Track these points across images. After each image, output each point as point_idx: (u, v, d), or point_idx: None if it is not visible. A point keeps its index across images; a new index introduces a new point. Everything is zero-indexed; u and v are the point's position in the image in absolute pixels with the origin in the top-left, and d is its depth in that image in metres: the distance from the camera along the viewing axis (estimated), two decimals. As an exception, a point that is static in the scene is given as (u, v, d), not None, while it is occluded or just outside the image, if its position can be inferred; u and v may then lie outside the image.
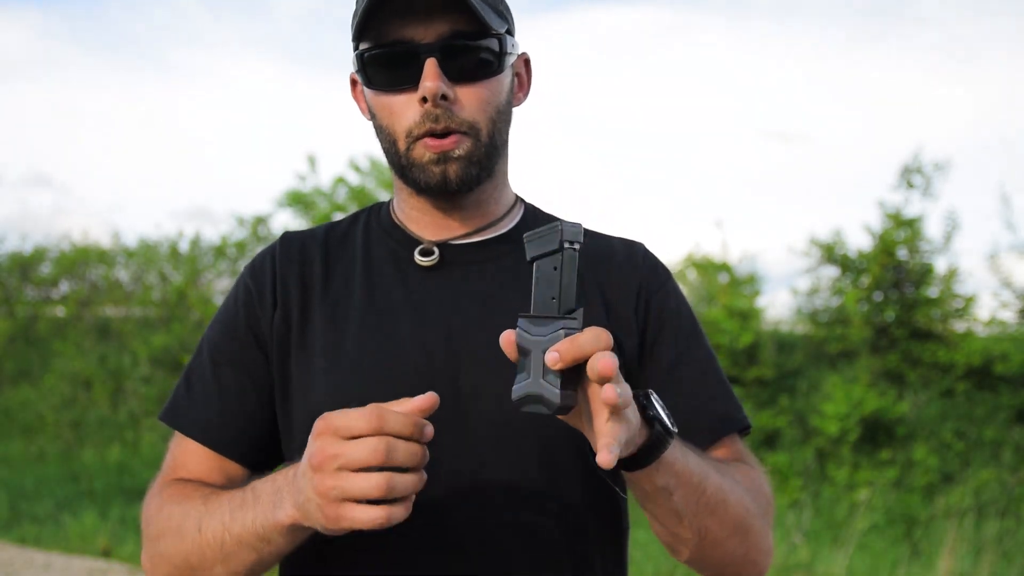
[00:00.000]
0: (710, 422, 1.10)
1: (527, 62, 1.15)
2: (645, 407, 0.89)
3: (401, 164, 1.06)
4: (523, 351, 0.83)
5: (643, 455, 0.88)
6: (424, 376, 1.03)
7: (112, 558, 5.38)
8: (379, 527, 0.81)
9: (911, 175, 7.30)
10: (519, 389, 0.82)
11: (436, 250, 1.10)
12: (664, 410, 0.90)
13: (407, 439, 0.82)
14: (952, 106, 14.45)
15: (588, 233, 1.20)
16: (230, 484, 1.08)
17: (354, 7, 1.08)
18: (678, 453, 0.93)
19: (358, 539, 1.01)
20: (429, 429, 0.84)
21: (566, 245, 0.82)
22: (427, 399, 0.85)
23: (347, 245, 1.16)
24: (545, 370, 0.80)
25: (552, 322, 0.81)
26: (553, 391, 0.80)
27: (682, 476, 0.94)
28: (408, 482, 0.82)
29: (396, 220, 1.15)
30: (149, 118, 19.00)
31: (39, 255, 10.85)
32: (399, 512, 0.82)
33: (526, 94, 1.16)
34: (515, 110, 1.13)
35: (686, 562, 1.05)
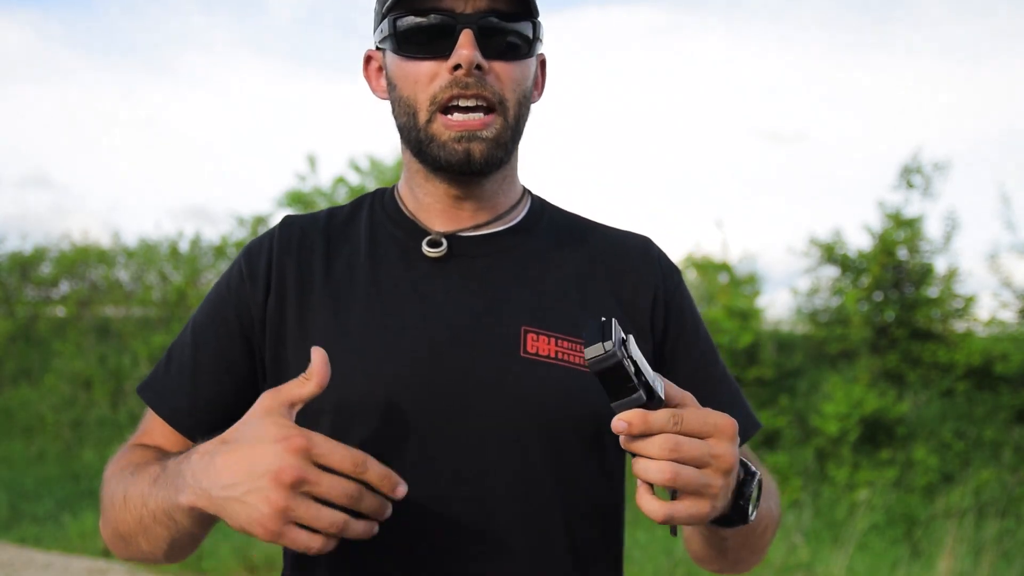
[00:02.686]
0: None
1: (543, 63, 1.15)
2: (743, 486, 0.90)
3: (419, 139, 1.04)
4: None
5: (717, 521, 0.91)
6: (430, 368, 1.02)
7: (112, 558, 5.37)
8: (308, 553, 0.82)
9: (911, 175, 7.30)
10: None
11: (444, 241, 1.08)
12: (756, 497, 0.91)
13: (377, 492, 0.84)
14: (952, 106, 14.45)
15: (598, 228, 1.20)
16: None
17: None
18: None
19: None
20: (402, 488, 0.84)
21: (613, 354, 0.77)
22: (402, 490, 0.85)
23: (350, 231, 1.14)
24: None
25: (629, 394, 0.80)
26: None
27: (742, 529, 0.96)
28: (360, 529, 0.84)
29: (403, 208, 1.13)
30: (149, 118, 19.00)
31: (39, 255, 10.84)
32: (329, 544, 0.82)
33: (540, 93, 1.15)
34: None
35: (706, 568, 1.10)
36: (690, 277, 8.73)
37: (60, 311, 10.54)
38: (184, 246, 10.59)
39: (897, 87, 14.42)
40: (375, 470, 0.82)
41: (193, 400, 1.08)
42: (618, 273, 1.12)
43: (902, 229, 7.25)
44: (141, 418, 1.15)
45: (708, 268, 8.45)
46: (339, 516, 0.81)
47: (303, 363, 1.04)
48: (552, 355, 1.04)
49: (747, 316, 7.37)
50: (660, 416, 0.80)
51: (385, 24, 1.05)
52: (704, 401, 1.08)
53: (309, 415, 1.03)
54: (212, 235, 16.13)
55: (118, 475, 1.01)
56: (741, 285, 8.05)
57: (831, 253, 7.59)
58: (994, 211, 12.78)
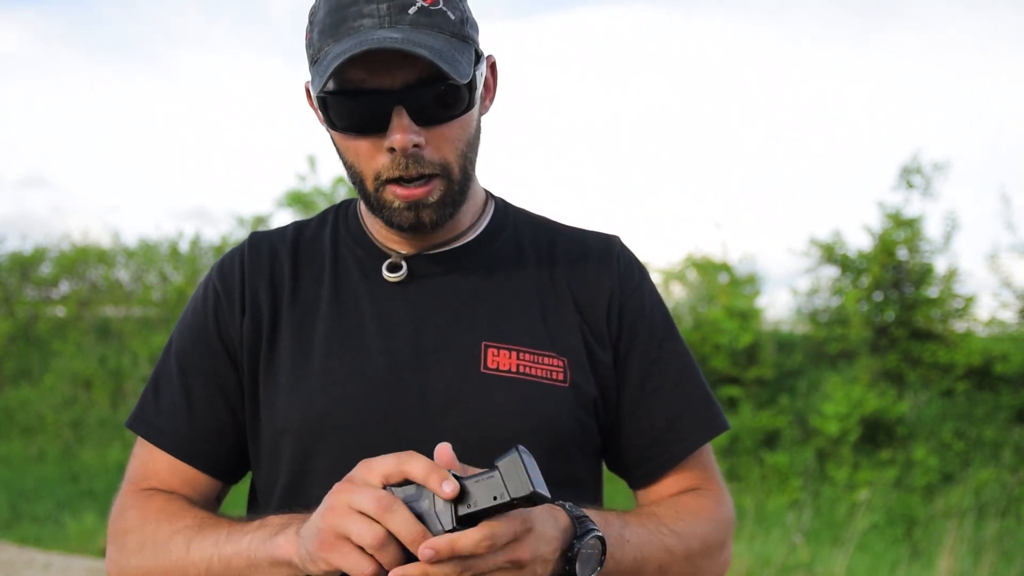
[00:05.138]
0: (687, 433, 1.11)
1: (493, 66, 1.10)
2: (568, 551, 0.89)
3: (370, 203, 1.03)
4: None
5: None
6: (391, 387, 1.02)
7: (112, 558, 5.36)
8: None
9: (911, 175, 7.31)
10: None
11: (404, 265, 1.08)
12: (597, 556, 0.91)
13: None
14: (952, 106, 14.46)
15: (563, 231, 1.18)
16: (199, 496, 1.09)
17: (307, 30, 1.03)
18: (617, 552, 0.96)
19: None
20: (428, 552, 0.80)
21: (515, 500, 0.80)
22: (445, 454, 0.84)
23: (316, 250, 1.13)
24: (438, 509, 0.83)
25: (448, 516, 0.82)
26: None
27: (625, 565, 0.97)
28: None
29: (364, 227, 1.13)
30: (148, 118, 19.01)
31: (39, 255, 10.84)
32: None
33: (492, 100, 1.11)
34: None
35: None
36: (690, 277, 8.73)
37: (60, 311, 10.54)
38: (184, 246, 10.60)
39: (897, 87, 14.43)
40: (397, 522, 0.81)
41: (192, 426, 1.08)
42: (579, 277, 1.11)
43: (902, 229, 7.26)
44: (132, 454, 1.12)
45: (708, 268, 8.44)
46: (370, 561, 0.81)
47: (270, 390, 1.04)
48: (513, 369, 1.03)
49: (747, 316, 7.38)
50: (469, 539, 0.79)
51: (315, 97, 0.99)
52: (655, 408, 1.10)
53: (273, 436, 1.03)
54: (212, 235, 16.14)
55: (167, 525, 1.00)
56: (741, 285, 8.05)
57: (831, 253, 7.59)
58: (994, 211, 12.78)
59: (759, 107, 15.83)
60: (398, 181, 0.99)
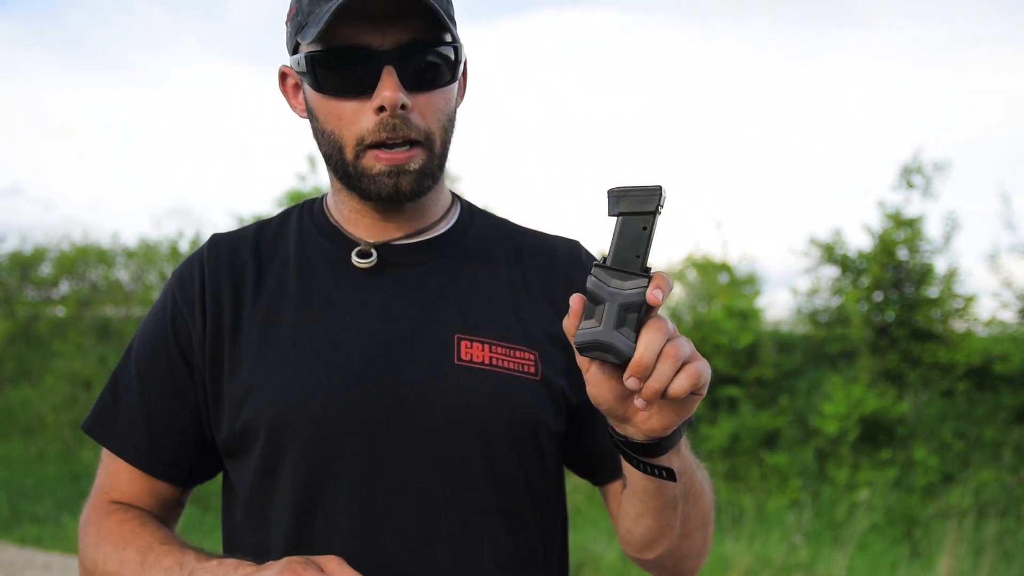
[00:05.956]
0: None
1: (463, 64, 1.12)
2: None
3: (348, 172, 1.02)
4: (595, 299, 0.83)
5: (671, 435, 0.90)
6: (363, 379, 1.01)
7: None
8: None
9: (911, 175, 7.30)
10: (586, 335, 0.82)
11: (374, 252, 1.07)
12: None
13: None
14: (952, 106, 14.45)
15: (528, 233, 1.19)
16: (161, 503, 1.10)
17: (292, 3, 1.04)
18: (683, 438, 0.96)
19: (307, 535, 1.02)
20: None
21: (660, 210, 0.82)
22: None
23: (279, 246, 1.11)
24: (619, 321, 0.81)
25: (633, 277, 0.82)
26: (627, 342, 0.81)
27: (686, 461, 0.96)
28: None
29: (332, 221, 1.12)
30: (148, 124, 18.99)
31: (39, 255, 10.84)
32: None
33: (463, 97, 1.12)
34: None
35: (654, 560, 1.06)
36: (690, 277, 8.73)
37: (60, 311, 10.53)
38: (184, 246, 10.59)
39: (897, 87, 14.41)
40: None
41: (151, 436, 1.07)
42: (550, 278, 1.12)
43: (902, 229, 7.25)
44: (100, 458, 1.13)
45: (708, 268, 8.44)
46: None
47: (238, 387, 1.03)
48: (486, 361, 1.03)
49: (747, 316, 7.37)
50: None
51: (301, 58, 1.01)
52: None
53: (247, 432, 1.03)
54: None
55: (114, 553, 1.03)
56: (741, 285, 8.04)
57: (831, 253, 7.59)
58: (994, 211, 12.76)
59: (758, 106, 15.83)
60: (380, 146, 0.99)
